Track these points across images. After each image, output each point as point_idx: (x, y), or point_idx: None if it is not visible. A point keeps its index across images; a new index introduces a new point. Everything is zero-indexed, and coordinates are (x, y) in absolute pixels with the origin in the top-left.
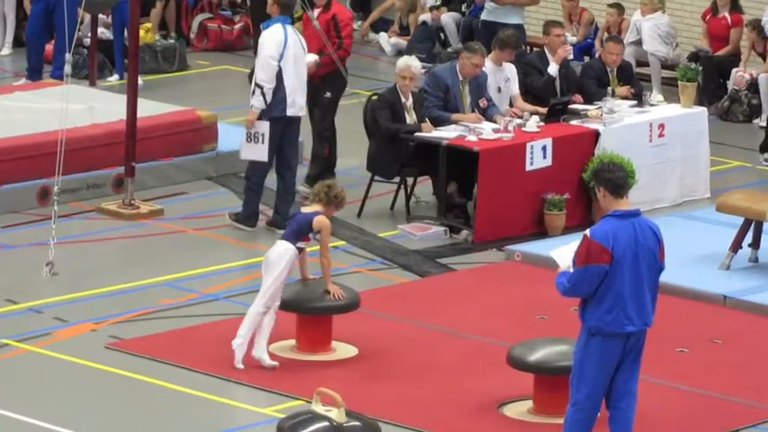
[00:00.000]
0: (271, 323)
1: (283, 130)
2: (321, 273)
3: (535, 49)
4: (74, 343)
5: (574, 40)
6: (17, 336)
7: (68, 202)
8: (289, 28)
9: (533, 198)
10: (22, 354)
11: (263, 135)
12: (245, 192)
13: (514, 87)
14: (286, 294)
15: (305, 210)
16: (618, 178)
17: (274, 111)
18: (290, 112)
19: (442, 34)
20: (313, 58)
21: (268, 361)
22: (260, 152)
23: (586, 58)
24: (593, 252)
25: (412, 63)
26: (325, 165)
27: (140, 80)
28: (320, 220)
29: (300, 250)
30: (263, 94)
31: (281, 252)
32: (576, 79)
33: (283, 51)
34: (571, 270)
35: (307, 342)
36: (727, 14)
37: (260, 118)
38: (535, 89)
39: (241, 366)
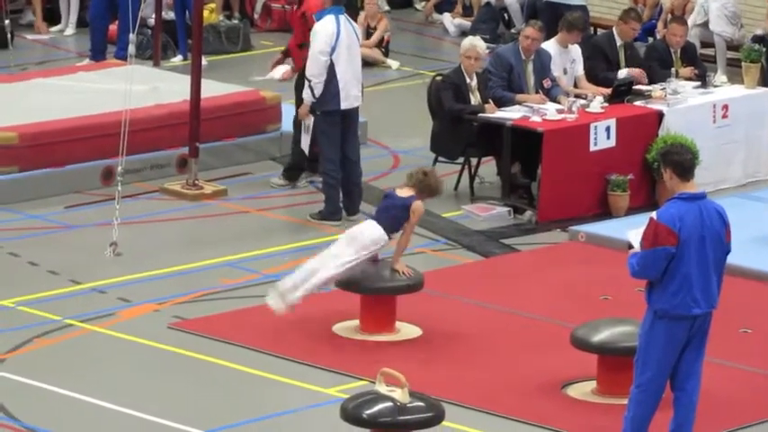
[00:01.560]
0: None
1: (341, 123)
2: (395, 250)
3: (599, 30)
4: (137, 323)
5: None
6: (81, 316)
7: (132, 182)
8: (342, 18)
9: (597, 179)
10: (86, 334)
11: (309, 127)
12: (323, 188)
13: (579, 69)
14: (350, 274)
15: (400, 193)
16: (686, 161)
17: (329, 105)
18: (344, 105)
19: (505, 15)
20: (285, 68)
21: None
22: (307, 143)
23: (650, 40)
24: (661, 235)
25: (477, 43)
26: (303, 156)
27: (204, 61)
28: (417, 205)
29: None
30: (311, 88)
31: (375, 239)
32: (640, 60)
33: (335, 44)
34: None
35: (371, 322)
36: None
37: (312, 111)
38: (596, 77)
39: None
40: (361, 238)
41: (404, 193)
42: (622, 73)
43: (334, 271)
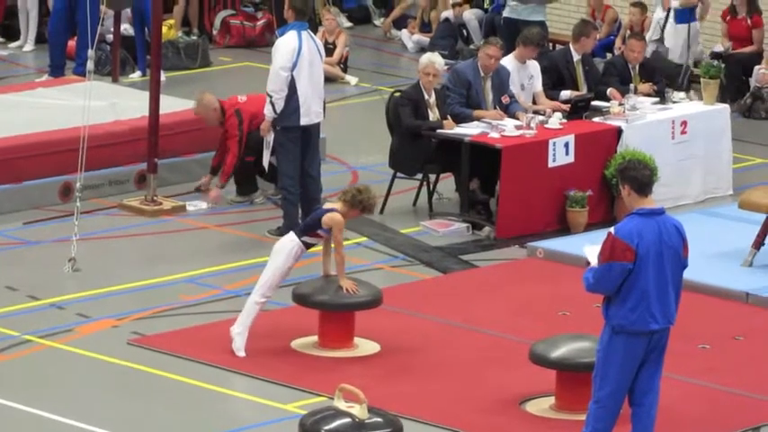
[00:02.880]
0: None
1: (302, 138)
2: (336, 269)
3: (558, 45)
4: (96, 339)
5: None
6: (39, 332)
7: (91, 198)
8: (304, 34)
9: (556, 195)
10: (44, 350)
11: (270, 143)
12: (282, 204)
13: (537, 84)
14: (308, 290)
15: (326, 206)
16: (643, 177)
17: (288, 120)
18: (303, 121)
19: (464, 31)
20: (215, 193)
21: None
22: (267, 159)
23: (608, 56)
24: (617, 250)
25: (435, 59)
26: (249, 171)
27: (163, 76)
28: (331, 217)
29: (307, 246)
30: (273, 104)
31: (285, 243)
32: (599, 76)
33: (297, 60)
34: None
35: (329, 338)
36: (746, 15)
37: (274, 126)
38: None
39: (243, 354)
40: (274, 248)
41: (329, 206)
42: (565, 93)
43: (260, 297)
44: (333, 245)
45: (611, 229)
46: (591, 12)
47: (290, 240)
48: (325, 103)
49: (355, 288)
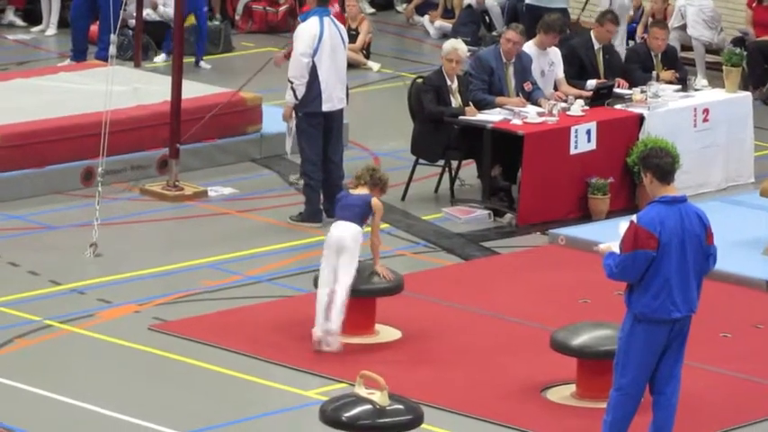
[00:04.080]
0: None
1: (324, 124)
2: (371, 253)
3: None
4: (117, 324)
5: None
6: (60, 317)
7: (112, 183)
8: (326, 20)
9: (577, 182)
10: (66, 335)
11: (293, 129)
12: (304, 190)
13: (559, 71)
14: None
15: (354, 192)
16: (666, 164)
17: (310, 106)
18: (325, 107)
19: (486, 17)
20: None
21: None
22: (289, 145)
23: (630, 43)
24: (641, 238)
25: (459, 46)
26: None
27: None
28: (377, 203)
29: None
30: (294, 90)
31: (354, 235)
32: (621, 64)
33: (318, 46)
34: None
35: (350, 325)
36: None
37: (296, 112)
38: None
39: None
40: (346, 241)
41: (358, 191)
42: (591, 83)
43: (350, 279)
44: (371, 229)
45: (634, 218)
46: None
47: (358, 231)
48: (348, 90)
49: (389, 274)
